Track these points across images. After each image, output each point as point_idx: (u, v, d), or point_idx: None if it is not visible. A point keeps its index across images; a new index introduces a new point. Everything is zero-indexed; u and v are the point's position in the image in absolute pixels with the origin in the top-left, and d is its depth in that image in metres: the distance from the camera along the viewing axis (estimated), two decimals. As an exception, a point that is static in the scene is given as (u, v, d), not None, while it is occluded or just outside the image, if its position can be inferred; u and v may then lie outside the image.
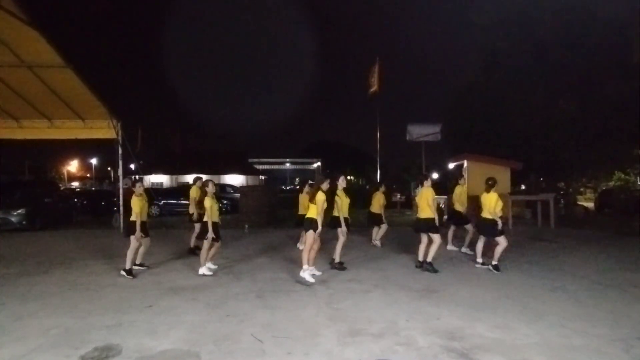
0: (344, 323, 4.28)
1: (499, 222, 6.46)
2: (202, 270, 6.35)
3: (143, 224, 6.45)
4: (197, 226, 7.47)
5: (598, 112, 15.35)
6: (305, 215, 6.28)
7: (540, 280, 6.05)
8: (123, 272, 6.26)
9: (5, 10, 7.00)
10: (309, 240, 5.89)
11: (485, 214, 6.62)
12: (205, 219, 6.31)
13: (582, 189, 24.70)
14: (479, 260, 6.95)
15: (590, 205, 21.98)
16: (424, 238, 6.73)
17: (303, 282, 5.78)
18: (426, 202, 6.54)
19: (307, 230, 5.92)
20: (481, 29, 18.62)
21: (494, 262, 6.55)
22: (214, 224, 6.28)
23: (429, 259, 6.54)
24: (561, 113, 15.67)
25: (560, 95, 15.95)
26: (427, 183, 6.69)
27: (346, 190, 6.89)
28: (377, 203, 8.85)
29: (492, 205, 6.49)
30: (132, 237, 6.33)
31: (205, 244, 6.34)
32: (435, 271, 6.44)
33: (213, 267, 6.68)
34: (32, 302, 5.05)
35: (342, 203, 6.79)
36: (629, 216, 15.16)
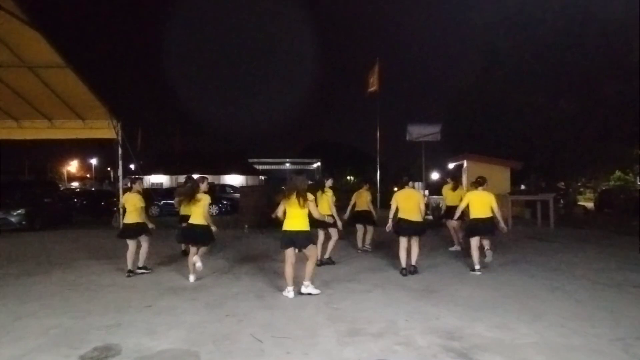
0: (344, 323, 4.29)
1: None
2: (191, 277, 5.99)
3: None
4: None
5: (598, 112, 15.33)
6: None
7: (540, 280, 6.05)
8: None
9: (5, 10, 7.00)
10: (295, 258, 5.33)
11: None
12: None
13: (582, 189, 24.64)
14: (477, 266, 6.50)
15: (590, 205, 21.98)
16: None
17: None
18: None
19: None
20: (481, 29, 18.62)
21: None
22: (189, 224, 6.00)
23: (413, 262, 6.43)
24: (561, 113, 15.66)
25: (560, 95, 15.94)
26: (408, 185, 6.68)
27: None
28: (363, 200, 8.34)
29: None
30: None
31: (194, 248, 5.97)
32: (404, 275, 6.27)
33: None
34: (32, 302, 5.05)
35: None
36: (629, 216, 15.16)
